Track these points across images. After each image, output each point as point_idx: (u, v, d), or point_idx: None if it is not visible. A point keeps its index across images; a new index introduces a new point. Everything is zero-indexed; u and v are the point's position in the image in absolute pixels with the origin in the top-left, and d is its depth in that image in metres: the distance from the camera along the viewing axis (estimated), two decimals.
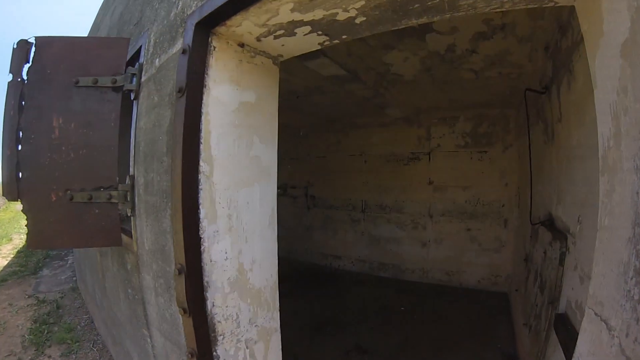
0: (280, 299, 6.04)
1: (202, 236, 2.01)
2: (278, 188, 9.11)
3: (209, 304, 2.05)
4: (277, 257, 2.60)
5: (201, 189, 2.01)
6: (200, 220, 2.01)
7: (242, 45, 2.20)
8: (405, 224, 7.62)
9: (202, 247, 2.02)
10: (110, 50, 2.89)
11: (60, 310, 6.25)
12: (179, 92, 1.99)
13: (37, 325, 5.60)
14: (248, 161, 2.30)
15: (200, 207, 2.01)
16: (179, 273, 1.98)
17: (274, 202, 2.52)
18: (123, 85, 2.79)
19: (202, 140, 2.00)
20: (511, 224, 6.35)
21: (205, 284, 2.03)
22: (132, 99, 2.97)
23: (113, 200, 2.82)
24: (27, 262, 9.33)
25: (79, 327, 5.63)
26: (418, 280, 7.42)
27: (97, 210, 2.81)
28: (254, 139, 2.33)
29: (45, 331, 5.41)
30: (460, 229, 6.91)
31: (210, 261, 2.05)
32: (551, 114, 2.99)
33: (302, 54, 2.66)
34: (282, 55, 2.45)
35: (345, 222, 8.59)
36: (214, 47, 2.07)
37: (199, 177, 2.00)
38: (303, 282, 7.63)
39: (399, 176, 7.69)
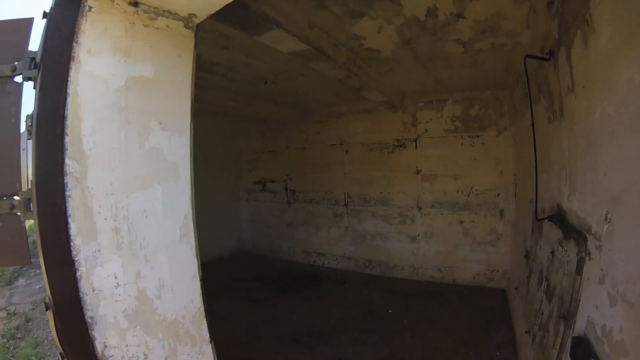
0: (258, 304, 5.28)
1: (76, 258, 1.49)
2: (257, 183, 8.37)
3: (98, 345, 1.55)
4: (198, 278, 2.05)
5: (69, 196, 1.45)
6: (71, 237, 1.46)
7: (135, 4, 1.61)
8: (392, 217, 7.07)
9: (78, 273, 1.50)
10: (13, 34, 2.31)
11: (30, 323, 5.82)
12: (33, 68, 1.41)
13: (5, 340, 5.23)
14: (143, 155, 1.72)
15: (70, 220, 1.45)
16: (46, 309, 1.47)
17: (187, 207, 1.94)
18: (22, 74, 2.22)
19: (67, 131, 1.44)
20: (508, 215, 5.81)
21: (89, 320, 1.54)
22: (33, 87, 2.39)
23: (16, 211, 2.22)
24: (3, 272, 8.72)
25: (46, 341, 5.22)
26: (408, 277, 6.89)
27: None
28: (152, 126, 1.75)
29: (12, 347, 5.05)
30: (453, 222, 6.38)
31: (93, 290, 1.54)
32: (558, 85, 2.42)
33: (246, 25, 2.08)
34: (195, 15, 1.84)
35: (328, 217, 8.03)
36: (90, 8, 1.51)
37: (66, 180, 1.42)
38: (284, 284, 7.05)
39: (383, 166, 7.14)
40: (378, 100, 6.09)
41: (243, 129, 9.64)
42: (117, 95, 1.62)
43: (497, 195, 5.92)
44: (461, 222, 6.27)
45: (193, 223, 1.97)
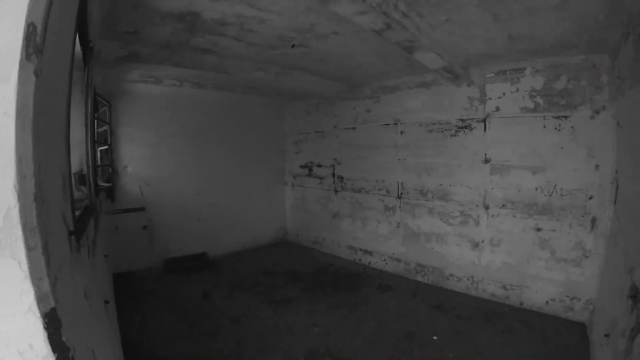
0: (279, 307, 4.78)
1: None
2: (303, 167, 7.51)
3: None
4: (37, 313, 1.19)
5: None
6: None
7: None
8: (452, 216, 5.86)
9: None
10: None
11: None
12: None
13: None
14: None
15: None
16: None
17: (10, 198, 1.11)
18: None
19: None
20: (602, 226, 4.34)
21: None
22: None
23: None
24: None
25: None
26: (465, 291, 5.70)
27: None
28: None
29: None
30: (527, 228, 5.04)
31: None
32: None
33: None
34: None
35: (378, 210, 7.02)
36: None
37: None
38: (316, 284, 6.30)
39: (444, 152, 5.95)
40: (436, 68, 4.91)
41: (287, 106, 9.02)
42: None
43: (589, 198, 4.45)
44: (538, 229, 4.90)
45: (23, 223, 1.12)
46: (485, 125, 5.40)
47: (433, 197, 6.11)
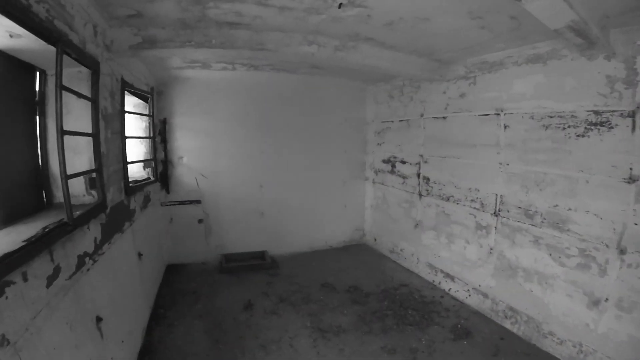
0: (323, 338, 4.14)
1: None
2: (385, 162, 5.81)
3: None
4: None
5: None
6: None
7: None
8: (568, 253, 3.94)
9: None
10: None
11: None
12: None
13: None
14: None
15: None
16: None
17: None
18: None
19: None
20: None
21: None
22: None
23: None
24: None
25: None
26: None
27: None
28: None
29: None
30: None
31: None
32: None
33: None
34: None
35: (468, 227, 5.31)
36: None
37: None
38: (380, 312, 4.97)
39: (565, 158, 3.97)
40: (560, 27, 3.01)
41: (367, 89, 7.68)
42: None
43: None
44: None
45: None
46: (634, 122, 3.31)
47: (543, 221, 4.18)
